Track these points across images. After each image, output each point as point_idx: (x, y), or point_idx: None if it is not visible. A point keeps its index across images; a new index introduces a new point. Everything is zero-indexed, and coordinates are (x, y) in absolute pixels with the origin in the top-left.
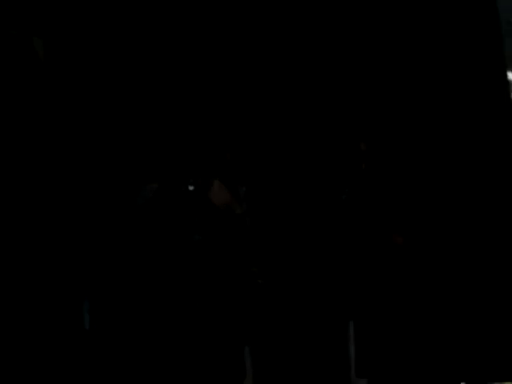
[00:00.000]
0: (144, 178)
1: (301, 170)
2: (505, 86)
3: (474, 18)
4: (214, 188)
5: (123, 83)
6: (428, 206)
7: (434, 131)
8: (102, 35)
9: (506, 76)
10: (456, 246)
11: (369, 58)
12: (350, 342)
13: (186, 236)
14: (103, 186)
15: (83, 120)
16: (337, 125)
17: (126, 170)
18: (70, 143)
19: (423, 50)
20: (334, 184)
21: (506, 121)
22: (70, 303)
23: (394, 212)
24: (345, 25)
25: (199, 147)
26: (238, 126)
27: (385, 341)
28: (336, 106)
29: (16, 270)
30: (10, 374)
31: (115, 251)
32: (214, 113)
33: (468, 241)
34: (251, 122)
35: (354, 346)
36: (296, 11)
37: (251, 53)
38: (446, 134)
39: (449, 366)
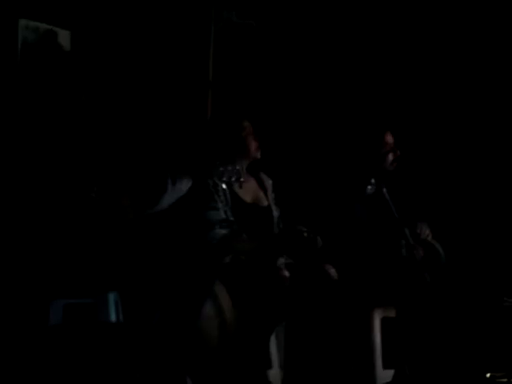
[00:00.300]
0: (176, 175)
1: (327, 162)
2: None
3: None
4: (240, 183)
5: (151, 79)
6: (456, 199)
7: (464, 126)
8: (130, 29)
9: None
10: (486, 236)
11: (396, 49)
12: (377, 333)
13: (212, 230)
14: (133, 181)
15: (110, 114)
16: (363, 115)
17: (159, 168)
18: (97, 136)
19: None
20: (359, 176)
21: None
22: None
23: (421, 203)
24: (369, 18)
25: (227, 143)
26: (261, 118)
27: (412, 331)
28: (362, 96)
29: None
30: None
31: (145, 245)
32: (238, 107)
33: (498, 235)
34: (275, 114)
35: (380, 337)
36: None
37: (276, 45)
38: (476, 128)
39: (476, 357)
